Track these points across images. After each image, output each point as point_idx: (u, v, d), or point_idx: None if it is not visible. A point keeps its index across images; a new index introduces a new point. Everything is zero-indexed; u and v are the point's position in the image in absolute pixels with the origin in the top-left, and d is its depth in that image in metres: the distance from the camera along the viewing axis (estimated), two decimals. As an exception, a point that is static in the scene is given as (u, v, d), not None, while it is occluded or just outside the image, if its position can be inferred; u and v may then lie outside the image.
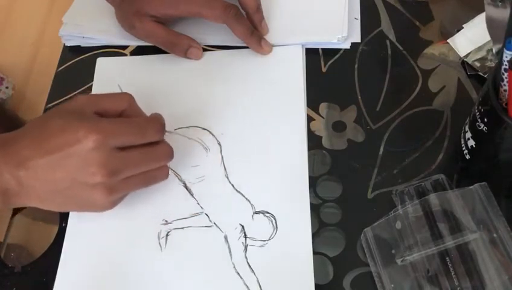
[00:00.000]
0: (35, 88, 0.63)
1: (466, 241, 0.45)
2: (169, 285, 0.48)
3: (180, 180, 0.53)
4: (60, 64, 0.63)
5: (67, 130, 0.43)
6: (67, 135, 0.43)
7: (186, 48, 0.59)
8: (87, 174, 0.43)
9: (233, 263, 0.48)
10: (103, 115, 0.47)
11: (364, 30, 0.61)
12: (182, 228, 0.51)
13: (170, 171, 0.53)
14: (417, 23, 0.61)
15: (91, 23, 0.64)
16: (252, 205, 0.51)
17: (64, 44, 0.64)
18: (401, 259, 0.45)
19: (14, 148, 0.43)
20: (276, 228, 0.50)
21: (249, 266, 0.48)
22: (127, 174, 0.46)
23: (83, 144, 0.43)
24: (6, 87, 0.60)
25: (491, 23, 0.57)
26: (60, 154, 0.43)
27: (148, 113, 0.50)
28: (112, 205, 0.47)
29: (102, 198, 0.45)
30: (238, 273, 0.48)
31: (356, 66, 0.59)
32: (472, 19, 0.59)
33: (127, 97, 0.49)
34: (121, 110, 0.48)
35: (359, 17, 0.62)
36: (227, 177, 0.53)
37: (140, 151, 0.46)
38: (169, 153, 0.49)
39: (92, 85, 0.60)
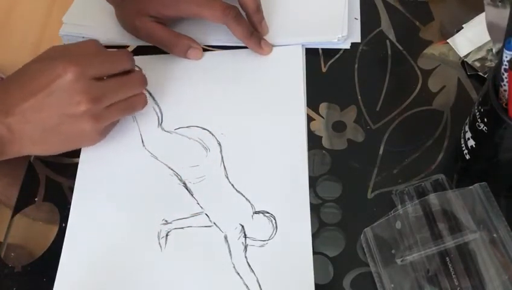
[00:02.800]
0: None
1: (466, 241, 0.45)
2: (169, 285, 0.48)
3: (180, 180, 0.53)
4: (60, 64, 0.63)
5: (46, 69, 0.46)
6: (47, 73, 0.46)
7: (186, 48, 0.59)
8: (72, 105, 0.47)
9: (233, 263, 0.48)
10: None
11: (364, 30, 0.61)
12: (182, 228, 0.51)
13: (170, 171, 0.54)
14: (417, 23, 0.61)
15: (91, 23, 0.64)
16: (252, 205, 0.51)
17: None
18: (401, 259, 0.45)
19: None
20: (276, 228, 0.50)
21: (249, 266, 0.48)
22: (109, 101, 0.49)
23: (63, 77, 0.46)
24: (6, 87, 0.60)
25: (491, 23, 0.57)
26: (44, 93, 0.46)
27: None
28: (100, 134, 0.51)
29: (90, 126, 0.48)
30: (238, 273, 0.48)
31: (356, 66, 0.59)
32: (472, 19, 0.59)
33: (128, 57, 0.53)
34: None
35: (359, 17, 0.62)
36: (227, 177, 0.53)
37: (116, 79, 0.50)
38: (143, 79, 0.53)
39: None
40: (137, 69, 0.54)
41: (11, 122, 0.46)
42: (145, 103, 0.54)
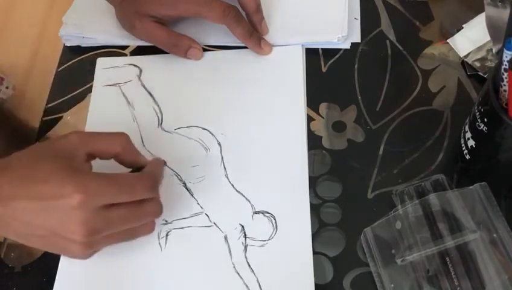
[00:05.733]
0: (35, 88, 0.63)
1: (466, 241, 0.45)
2: (169, 285, 0.48)
3: (180, 180, 0.53)
4: (60, 64, 0.63)
5: (54, 180, 0.41)
6: (53, 186, 0.41)
7: (186, 49, 0.59)
8: (66, 230, 0.42)
9: (233, 263, 0.48)
10: (96, 156, 0.46)
11: (364, 30, 0.61)
12: (182, 228, 0.51)
13: (170, 171, 0.53)
14: (417, 23, 0.61)
15: (91, 23, 0.64)
16: (252, 205, 0.51)
17: (64, 44, 0.64)
18: (401, 259, 0.45)
19: None
20: (276, 228, 0.50)
21: (249, 266, 0.48)
22: (109, 232, 0.44)
23: (66, 200, 0.41)
24: (6, 87, 0.60)
25: (491, 23, 0.57)
26: (42, 204, 0.41)
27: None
28: (89, 256, 0.46)
29: (78, 251, 0.44)
30: (238, 273, 0.48)
31: (356, 66, 0.59)
32: (472, 19, 0.59)
33: (122, 139, 0.47)
34: (116, 153, 0.47)
35: (359, 17, 0.62)
36: (227, 177, 0.53)
37: (127, 209, 0.44)
38: (158, 211, 0.47)
39: (92, 85, 0.60)
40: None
41: (0, 212, 0.41)
42: (152, 230, 0.48)
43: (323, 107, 0.56)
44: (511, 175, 0.48)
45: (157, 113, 0.57)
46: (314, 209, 0.50)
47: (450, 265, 0.44)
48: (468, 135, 0.48)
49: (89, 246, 0.44)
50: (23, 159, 0.44)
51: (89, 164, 0.46)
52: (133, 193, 0.44)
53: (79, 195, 0.41)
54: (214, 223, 0.51)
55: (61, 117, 0.59)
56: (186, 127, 0.56)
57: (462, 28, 0.59)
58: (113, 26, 0.62)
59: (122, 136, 0.47)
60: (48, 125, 0.59)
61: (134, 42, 0.62)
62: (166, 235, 0.50)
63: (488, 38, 0.57)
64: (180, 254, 0.49)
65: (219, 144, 0.55)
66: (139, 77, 0.60)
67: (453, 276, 0.43)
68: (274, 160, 0.53)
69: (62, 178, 0.41)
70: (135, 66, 0.61)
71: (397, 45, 0.60)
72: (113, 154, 0.47)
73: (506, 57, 0.40)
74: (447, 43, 0.59)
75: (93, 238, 0.43)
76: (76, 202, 0.41)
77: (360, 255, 0.48)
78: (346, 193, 0.51)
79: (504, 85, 0.42)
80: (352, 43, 0.60)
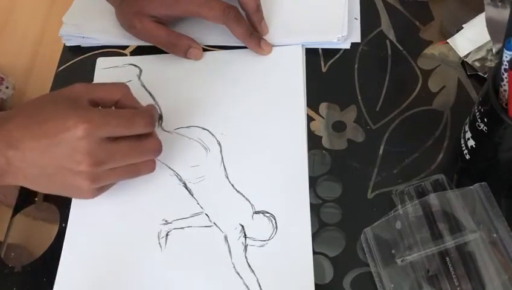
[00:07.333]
0: (35, 88, 0.63)
1: (466, 242, 0.45)
2: (169, 285, 0.48)
3: (180, 180, 0.53)
4: (60, 64, 0.63)
5: (58, 117, 0.44)
6: (58, 122, 0.44)
7: (186, 48, 0.59)
8: (73, 162, 0.45)
9: (233, 263, 0.48)
10: (98, 104, 0.48)
11: (364, 30, 0.61)
12: (182, 228, 0.51)
13: (170, 171, 0.54)
14: (417, 23, 0.61)
15: (91, 23, 0.64)
16: (252, 205, 0.51)
17: (64, 44, 0.64)
18: (401, 259, 0.45)
19: (6, 128, 0.44)
20: (276, 228, 0.50)
21: (249, 266, 0.48)
22: (113, 165, 0.47)
23: (72, 132, 0.43)
24: (6, 87, 0.60)
25: (491, 23, 0.57)
26: (49, 141, 0.44)
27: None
28: (95, 192, 0.48)
29: (85, 185, 0.46)
30: (238, 273, 0.48)
31: (356, 66, 0.59)
32: (472, 19, 0.59)
33: (122, 87, 0.50)
34: (116, 100, 0.49)
35: (359, 17, 0.62)
36: (227, 177, 0.53)
37: (129, 144, 0.47)
38: (157, 148, 0.50)
39: (92, 85, 0.60)
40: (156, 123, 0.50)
41: (11, 156, 0.44)
42: (153, 169, 0.50)
43: (323, 107, 0.56)
44: (511, 175, 0.48)
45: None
46: (314, 209, 0.50)
47: (450, 265, 0.44)
48: (468, 135, 0.48)
49: (95, 179, 0.46)
50: (29, 107, 0.46)
51: (90, 106, 0.48)
52: (133, 125, 0.47)
53: (83, 125, 0.43)
54: (214, 223, 0.51)
55: (61, 117, 0.59)
56: (186, 127, 0.56)
57: (462, 28, 0.59)
58: (113, 26, 0.62)
59: (123, 85, 0.50)
60: (48, 125, 0.59)
61: (134, 42, 0.62)
62: (166, 235, 0.50)
63: (488, 38, 0.57)
64: (180, 254, 0.49)
65: (219, 144, 0.55)
66: (139, 77, 0.60)
67: (453, 276, 0.43)
68: (274, 160, 0.53)
69: (66, 114, 0.44)
70: (135, 66, 0.61)
71: (397, 45, 0.60)
72: (114, 101, 0.49)
73: (506, 57, 0.40)
74: (447, 43, 0.59)
75: (98, 170, 0.46)
76: (81, 132, 0.43)
77: (360, 255, 0.48)
78: (346, 193, 0.51)
79: (504, 85, 0.42)
80: (352, 43, 0.60)
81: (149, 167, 0.50)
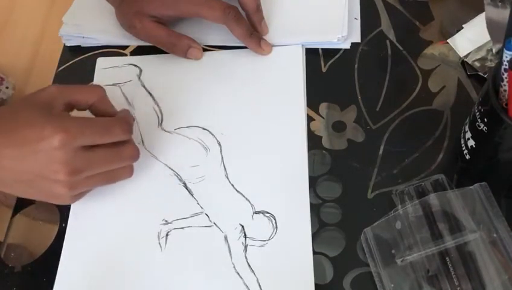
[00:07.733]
0: (35, 88, 0.61)
1: (466, 242, 0.45)
2: (169, 285, 0.48)
3: (180, 180, 0.53)
4: (60, 64, 0.63)
5: (34, 125, 0.44)
6: (34, 131, 0.44)
7: (186, 49, 0.59)
8: (50, 171, 0.44)
9: (233, 263, 0.48)
10: (73, 106, 0.48)
11: (364, 30, 0.61)
12: (182, 228, 0.51)
13: (170, 171, 0.54)
14: (417, 23, 0.61)
15: (91, 23, 0.64)
16: (252, 205, 0.51)
17: (64, 44, 0.64)
18: (401, 259, 0.45)
19: None
20: (276, 228, 0.50)
21: (249, 266, 0.48)
22: (90, 173, 0.47)
23: (48, 141, 0.43)
24: (6, 87, 0.60)
25: (491, 23, 0.57)
26: (26, 149, 0.44)
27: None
28: (74, 199, 0.48)
29: (63, 192, 0.46)
30: (238, 273, 0.48)
31: (356, 66, 0.59)
32: (472, 19, 0.59)
33: (97, 90, 0.50)
34: (91, 103, 0.49)
35: (359, 17, 0.62)
36: (227, 177, 0.53)
37: (106, 151, 0.47)
38: (135, 154, 0.50)
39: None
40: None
41: None
42: (130, 175, 0.51)
43: (323, 107, 0.56)
44: (511, 175, 0.48)
45: (157, 113, 0.57)
46: (314, 209, 0.50)
47: (450, 265, 0.44)
48: (468, 135, 0.48)
49: (73, 187, 0.46)
50: (4, 112, 0.46)
51: (67, 113, 0.48)
52: (110, 133, 0.47)
53: (59, 135, 0.43)
54: (214, 223, 0.51)
55: (61, 117, 0.59)
56: (186, 127, 0.56)
57: (462, 28, 0.59)
58: (113, 26, 0.62)
59: (99, 88, 0.50)
60: (48, 125, 0.59)
61: (134, 42, 0.62)
62: (166, 235, 0.50)
63: (488, 38, 0.57)
64: (180, 254, 0.49)
65: (219, 144, 0.55)
66: (139, 77, 0.60)
67: (453, 276, 0.43)
68: (274, 160, 0.53)
69: (42, 122, 0.44)
70: (135, 66, 0.61)
71: (397, 45, 0.60)
72: (89, 104, 0.49)
73: (506, 57, 0.40)
74: (447, 43, 0.59)
75: (76, 179, 0.46)
76: (57, 142, 0.43)
77: (360, 255, 0.48)
78: (346, 193, 0.51)
79: (504, 85, 0.42)
80: (352, 43, 0.60)
81: (127, 172, 0.50)
